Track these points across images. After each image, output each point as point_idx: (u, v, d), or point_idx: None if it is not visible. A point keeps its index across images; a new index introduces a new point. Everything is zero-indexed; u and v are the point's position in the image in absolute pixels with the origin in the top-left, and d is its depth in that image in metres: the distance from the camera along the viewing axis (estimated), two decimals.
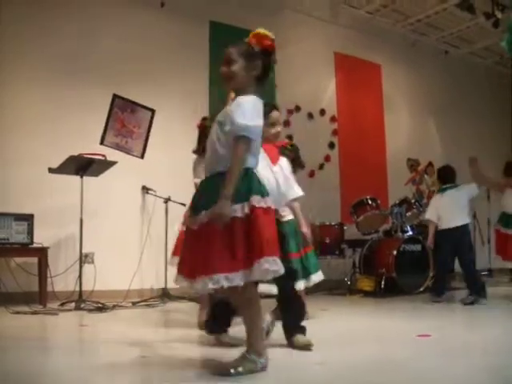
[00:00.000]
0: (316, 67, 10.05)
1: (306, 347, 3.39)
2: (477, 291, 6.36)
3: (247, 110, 2.79)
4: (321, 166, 9.75)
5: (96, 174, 6.58)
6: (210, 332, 3.74)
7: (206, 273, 2.65)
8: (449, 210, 6.77)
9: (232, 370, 2.71)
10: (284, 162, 3.97)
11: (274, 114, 3.81)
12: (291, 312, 3.61)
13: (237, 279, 2.64)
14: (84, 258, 6.59)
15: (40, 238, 6.44)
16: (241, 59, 2.97)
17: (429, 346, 3.64)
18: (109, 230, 7.12)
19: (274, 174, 3.52)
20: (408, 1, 10.28)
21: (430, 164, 9.37)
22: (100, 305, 6.12)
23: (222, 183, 2.71)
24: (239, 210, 2.71)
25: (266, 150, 3.53)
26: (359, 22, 10.59)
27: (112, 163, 6.53)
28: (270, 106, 3.72)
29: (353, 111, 10.44)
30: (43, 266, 6.46)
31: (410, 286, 7.65)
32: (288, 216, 4.49)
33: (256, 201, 2.74)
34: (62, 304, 6.23)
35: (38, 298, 6.33)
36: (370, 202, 8.28)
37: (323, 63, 10.22)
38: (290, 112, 9.43)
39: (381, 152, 10.83)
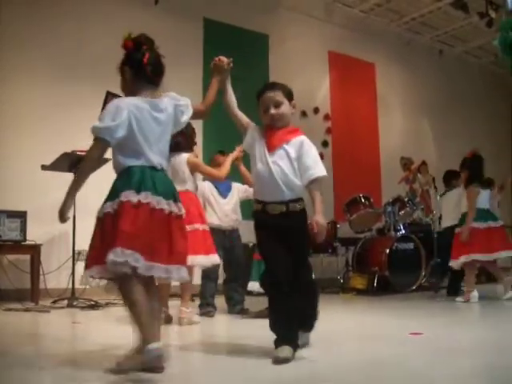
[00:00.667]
0: (310, 65, 10.05)
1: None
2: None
3: (103, 113, 3.04)
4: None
5: None
6: None
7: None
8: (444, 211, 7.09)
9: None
10: (296, 142, 3.38)
11: (265, 96, 3.37)
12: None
13: (93, 272, 2.86)
14: (77, 256, 6.57)
15: (33, 235, 6.43)
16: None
17: (421, 344, 3.64)
18: None
19: (270, 162, 3.25)
20: (402, 0, 10.30)
21: (424, 163, 9.39)
22: (93, 302, 6.11)
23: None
24: (109, 207, 2.87)
25: (268, 136, 3.37)
26: (353, 20, 10.61)
27: (105, 160, 6.50)
28: (264, 87, 3.43)
29: (346, 110, 10.46)
30: (36, 263, 6.45)
31: (402, 284, 7.68)
32: None
33: (124, 196, 2.82)
34: (55, 301, 6.23)
35: (31, 295, 6.33)
36: (363, 201, 8.30)
37: (317, 62, 10.23)
38: None
39: (374, 150, 10.85)
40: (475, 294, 6.36)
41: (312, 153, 3.43)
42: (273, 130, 3.38)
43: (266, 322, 3.12)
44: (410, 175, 9.30)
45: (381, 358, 3.12)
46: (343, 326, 4.78)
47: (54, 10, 7.35)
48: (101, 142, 2.98)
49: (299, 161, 3.33)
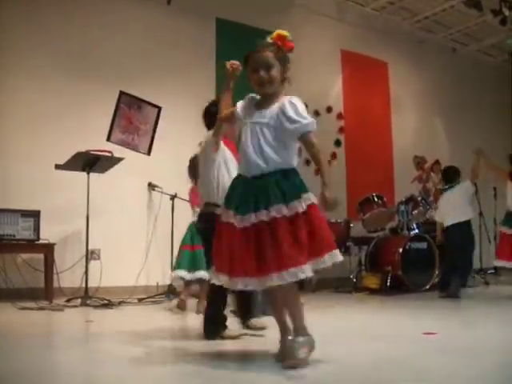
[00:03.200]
0: (323, 64, 10.03)
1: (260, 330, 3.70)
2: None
3: (303, 110, 3.05)
4: (327, 164, 9.73)
5: (102, 170, 6.60)
6: (209, 337, 3.76)
7: (279, 268, 2.75)
8: (445, 208, 7.16)
9: (302, 356, 2.83)
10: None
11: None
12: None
13: (308, 271, 2.78)
14: (90, 255, 6.61)
15: (46, 235, 6.46)
16: (277, 63, 3.10)
17: (435, 343, 3.63)
18: (115, 226, 7.13)
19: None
20: None
21: (437, 162, 9.34)
22: (106, 301, 6.13)
23: (272, 183, 2.90)
24: (299, 207, 2.86)
25: (233, 149, 3.51)
26: (366, 19, 10.57)
27: (118, 160, 6.55)
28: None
29: (359, 109, 10.42)
30: (49, 262, 6.48)
31: (415, 283, 7.64)
32: None
33: (312, 197, 2.93)
34: (68, 300, 6.25)
35: (44, 293, 6.36)
36: (376, 200, 8.28)
37: (330, 60, 10.21)
38: None
39: (387, 149, 10.82)
40: None
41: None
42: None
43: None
44: (424, 174, 9.27)
45: (394, 358, 3.11)
46: (356, 325, 4.77)
47: (62, 8, 7.39)
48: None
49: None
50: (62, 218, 6.80)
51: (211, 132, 3.85)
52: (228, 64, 3.37)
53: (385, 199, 8.37)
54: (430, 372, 2.78)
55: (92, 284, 6.50)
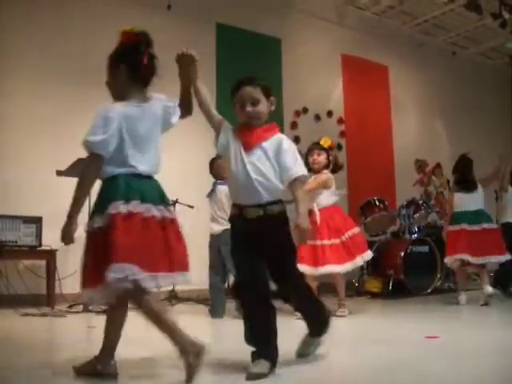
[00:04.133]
0: (323, 69, 10.05)
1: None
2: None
3: (93, 125, 2.92)
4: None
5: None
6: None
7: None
8: None
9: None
10: (274, 140, 3.11)
11: (241, 91, 3.14)
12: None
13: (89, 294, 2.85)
14: None
15: (48, 241, 6.46)
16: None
17: (437, 347, 3.63)
18: None
19: (246, 163, 3.02)
20: (415, 1, 10.27)
21: (438, 165, 9.35)
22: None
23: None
24: (99, 221, 2.80)
25: (242, 136, 3.11)
26: (366, 23, 10.59)
27: None
28: (240, 82, 3.20)
29: (360, 112, 10.44)
30: (51, 268, 6.49)
31: (417, 287, 7.64)
32: None
33: (113, 208, 2.72)
34: (70, 306, 6.26)
35: (47, 300, 6.37)
36: (377, 204, 8.28)
37: (330, 65, 10.22)
38: (297, 113, 9.46)
39: (388, 153, 10.83)
40: None
41: (291, 151, 3.07)
42: (249, 129, 3.10)
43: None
44: (425, 178, 9.27)
45: (396, 362, 3.11)
46: (358, 329, 4.77)
47: (62, 10, 7.45)
48: (96, 157, 2.86)
49: (278, 160, 3.03)
50: (63, 225, 6.78)
51: None
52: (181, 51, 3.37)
53: (386, 203, 8.36)
54: (433, 375, 2.78)
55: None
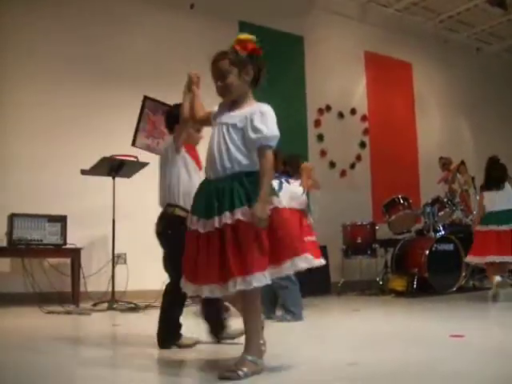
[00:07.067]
0: (346, 66, 10.02)
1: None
2: None
3: (270, 121, 2.83)
4: (352, 166, 9.72)
5: (128, 175, 6.64)
6: (163, 346, 3.61)
7: (244, 272, 2.66)
8: None
9: (240, 372, 2.61)
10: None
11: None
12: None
13: (268, 277, 2.68)
14: (116, 259, 6.65)
15: (73, 239, 6.51)
16: (233, 69, 2.95)
17: (462, 346, 3.60)
18: (141, 230, 7.10)
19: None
20: None
21: (463, 162, 9.26)
22: (132, 305, 6.16)
23: (237, 185, 2.79)
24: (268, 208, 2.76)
25: (193, 155, 3.53)
26: (389, 20, 10.54)
27: (143, 164, 6.57)
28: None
29: (384, 110, 10.38)
30: (76, 266, 6.53)
31: (442, 285, 7.58)
32: None
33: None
34: (95, 304, 6.29)
35: (71, 298, 6.41)
36: (401, 202, 8.24)
37: (353, 62, 10.18)
38: (320, 111, 9.43)
39: (412, 151, 10.76)
40: None
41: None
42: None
43: None
44: (449, 175, 9.19)
45: (421, 361, 3.09)
46: (383, 328, 4.74)
47: (83, 13, 7.51)
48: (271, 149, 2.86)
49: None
50: (88, 223, 6.84)
51: (171, 136, 3.91)
52: (192, 74, 3.45)
53: (410, 201, 8.33)
54: (458, 375, 2.75)
55: (118, 288, 6.53)
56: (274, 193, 2.88)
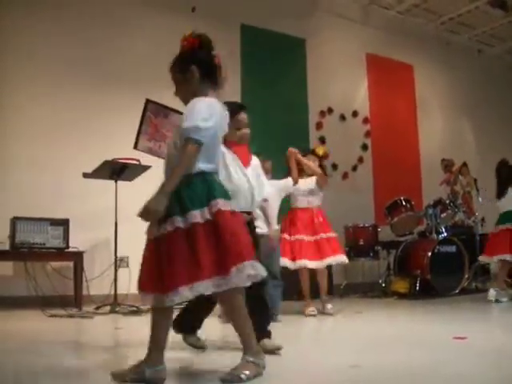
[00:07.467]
0: (348, 69, 10.02)
1: (275, 351, 3.37)
2: None
3: (196, 112, 2.72)
4: (354, 168, 9.72)
5: (130, 178, 6.64)
6: (178, 331, 3.64)
7: (162, 290, 2.59)
8: None
9: (242, 376, 2.59)
10: (255, 161, 3.92)
11: (241, 116, 3.65)
12: (261, 317, 3.59)
13: (201, 288, 2.56)
14: (119, 262, 6.65)
15: (75, 243, 6.51)
16: (178, 76, 2.95)
17: (465, 348, 3.59)
18: (143, 233, 7.11)
19: (247, 177, 3.52)
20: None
21: (465, 164, 9.25)
22: (135, 308, 6.16)
23: (174, 192, 2.68)
24: (198, 216, 2.63)
25: (237, 152, 3.58)
26: (391, 22, 10.55)
27: (146, 168, 6.58)
28: (236, 107, 3.61)
29: (385, 112, 10.39)
30: (79, 269, 6.53)
31: (445, 287, 7.57)
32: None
33: (221, 204, 2.67)
34: (98, 307, 6.29)
35: (74, 301, 6.41)
36: (404, 204, 8.24)
37: (355, 64, 10.19)
38: (322, 114, 9.43)
39: (414, 153, 10.76)
40: None
41: (263, 174, 3.94)
42: (239, 147, 3.66)
43: None
44: (451, 177, 9.19)
45: (424, 363, 3.09)
46: (386, 330, 4.74)
47: (83, 16, 7.52)
48: (200, 144, 2.67)
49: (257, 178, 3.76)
50: (90, 226, 6.84)
51: None
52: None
53: (413, 203, 8.33)
54: (461, 377, 2.75)
55: (121, 291, 6.52)
56: (222, 195, 2.74)
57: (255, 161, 3.91)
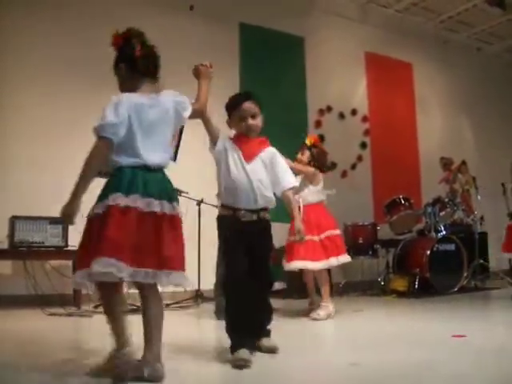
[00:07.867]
0: (347, 67, 10.02)
1: (273, 351, 3.39)
2: None
3: (103, 112, 2.87)
4: (353, 166, 9.71)
5: None
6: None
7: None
8: None
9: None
10: (269, 153, 3.55)
11: (245, 105, 3.50)
12: (263, 317, 3.61)
13: (78, 276, 2.78)
14: None
15: (74, 241, 6.48)
16: (115, 75, 3.17)
17: (464, 346, 3.60)
18: None
19: (248, 171, 3.38)
20: None
21: (464, 162, 9.25)
22: (134, 307, 6.15)
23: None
24: (100, 208, 2.82)
25: (242, 145, 3.47)
26: (389, 20, 10.55)
27: None
28: (240, 97, 3.58)
29: (384, 110, 10.38)
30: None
31: (444, 285, 7.57)
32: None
33: (112, 199, 2.78)
34: (96, 306, 6.28)
35: (73, 299, 6.41)
36: (403, 202, 8.24)
37: (354, 63, 10.19)
38: (321, 112, 9.43)
39: (413, 151, 10.76)
40: None
41: (283, 163, 3.58)
42: (247, 140, 3.50)
43: None
44: (451, 175, 9.19)
45: (423, 361, 3.09)
46: (385, 328, 4.74)
47: (83, 14, 7.52)
48: (106, 140, 2.81)
49: (273, 170, 3.49)
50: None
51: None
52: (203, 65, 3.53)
53: (412, 201, 8.33)
54: (460, 375, 2.75)
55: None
56: (124, 190, 2.83)
57: (269, 152, 3.58)
